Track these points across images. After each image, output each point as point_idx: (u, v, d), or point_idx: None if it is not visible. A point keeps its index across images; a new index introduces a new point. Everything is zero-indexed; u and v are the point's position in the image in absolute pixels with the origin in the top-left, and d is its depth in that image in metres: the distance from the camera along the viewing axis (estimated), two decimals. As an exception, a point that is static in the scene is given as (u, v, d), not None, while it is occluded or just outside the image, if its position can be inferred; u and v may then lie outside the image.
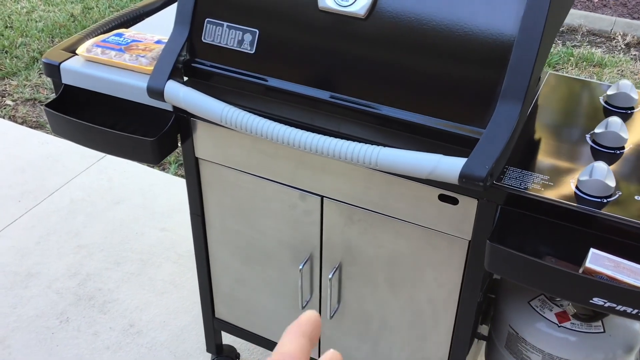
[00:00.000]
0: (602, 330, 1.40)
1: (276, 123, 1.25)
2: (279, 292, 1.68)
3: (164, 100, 1.36)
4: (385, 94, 1.25)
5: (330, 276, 1.52)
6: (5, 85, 3.60)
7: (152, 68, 1.47)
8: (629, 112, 1.40)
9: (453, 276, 1.38)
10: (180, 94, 1.32)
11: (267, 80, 1.35)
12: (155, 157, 1.46)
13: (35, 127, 3.23)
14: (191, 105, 1.32)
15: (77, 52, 1.55)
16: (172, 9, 1.85)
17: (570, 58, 4.00)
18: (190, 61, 1.40)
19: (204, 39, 1.38)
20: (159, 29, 1.69)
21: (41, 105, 3.42)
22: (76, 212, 2.62)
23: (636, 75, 3.85)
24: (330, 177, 1.40)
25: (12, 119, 3.33)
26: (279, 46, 1.32)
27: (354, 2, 1.24)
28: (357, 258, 1.49)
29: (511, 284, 1.52)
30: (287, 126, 1.24)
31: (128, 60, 1.50)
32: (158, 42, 1.57)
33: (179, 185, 2.75)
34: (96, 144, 1.52)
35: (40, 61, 3.79)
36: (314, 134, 1.23)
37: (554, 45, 4.21)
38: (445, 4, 1.18)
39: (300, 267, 1.55)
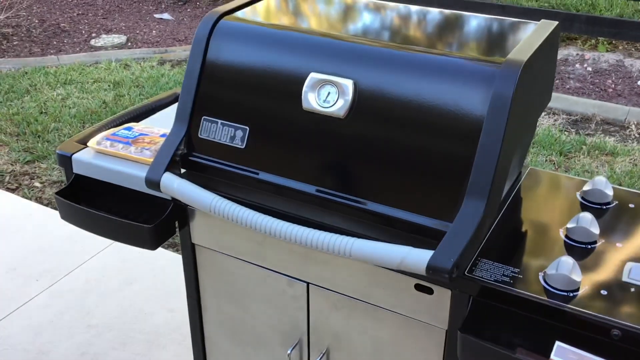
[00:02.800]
0: None
1: (258, 214, 1.33)
2: (270, 376, 1.71)
3: (160, 191, 1.46)
4: (365, 189, 1.33)
5: (316, 362, 1.56)
6: (35, 168, 3.80)
7: (154, 160, 1.58)
8: (604, 207, 1.46)
9: (433, 365, 1.41)
10: (175, 186, 1.43)
11: (257, 174, 1.45)
12: (152, 243, 1.55)
13: (59, 208, 3.38)
14: (184, 196, 1.42)
15: (88, 144, 1.68)
16: (181, 104, 1.99)
17: (583, 146, 4.06)
18: (188, 155, 1.52)
19: (201, 134, 1.49)
20: (167, 122, 1.82)
21: (67, 187, 3.59)
22: (90, 292, 2.71)
23: (649, 164, 3.88)
24: (315, 264, 1.47)
25: (39, 200, 3.49)
26: (267, 142, 1.43)
27: (334, 104, 1.35)
28: (343, 344, 1.53)
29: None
30: (268, 217, 1.32)
31: (133, 152, 1.62)
32: (163, 135, 1.70)
33: (190, 267, 2.83)
34: (99, 229, 1.62)
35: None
36: (294, 224, 1.30)
37: (567, 133, 4.29)
38: (416, 108, 1.28)
39: (289, 352, 1.59)
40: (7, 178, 3.71)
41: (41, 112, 4.48)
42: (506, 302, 1.24)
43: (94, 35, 6.28)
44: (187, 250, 1.66)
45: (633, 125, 4.42)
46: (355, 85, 1.33)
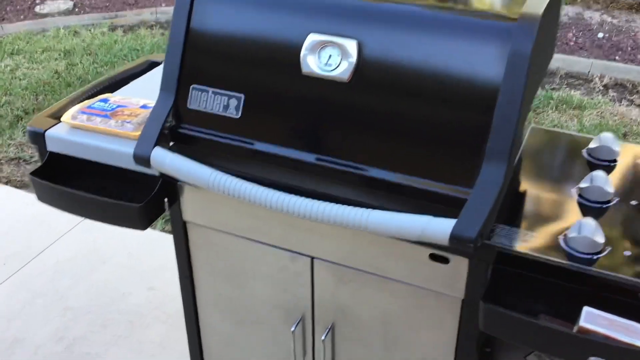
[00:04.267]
0: (600, 385, 1.38)
1: (265, 188, 1.25)
2: (271, 354, 1.65)
3: (149, 167, 1.36)
4: (371, 156, 1.25)
5: (323, 337, 1.50)
6: (-11, 144, 3.59)
7: (137, 134, 1.47)
8: (612, 164, 1.42)
9: (447, 335, 1.37)
10: (167, 161, 1.32)
11: (252, 144, 1.35)
12: (142, 223, 1.45)
13: (19, 187, 3.21)
14: (178, 172, 1.32)
15: (62, 119, 1.55)
16: (155, 72, 1.86)
17: (550, 101, 4.07)
18: (177, 127, 1.41)
19: (190, 105, 1.38)
20: (144, 92, 1.70)
21: (26, 164, 3.40)
22: (62, 274, 2.58)
23: (615, 116, 3.92)
24: (319, 238, 1.39)
25: (-4, 179, 3.31)
26: (264, 110, 1.33)
27: (337, 67, 1.26)
28: (350, 319, 1.47)
29: (505, 339, 1.50)
30: (275, 191, 1.24)
31: (114, 126, 1.50)
32: (143, 106, 1.58)
33: (166, 242, 2.72)
34: (82, 211, 1.51)
35: (25, 119, 3.79)
36: (304, 198, 1.22)
37: (533, 88, 4.29)
38: (426, 69, 1.20)
39: (293, 329, 1.53)
40: (-41, 157, 3.50)
41: (-11, 86, 4.23)
42: (528, 269, 1.20)
43: (38, 1, 5.94)
44: (178, 228, 1.56)
45: (597, 78, 4.45)
46: (359, 45, 1.24)
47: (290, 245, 1.44)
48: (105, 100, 1.61)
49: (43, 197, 1.55)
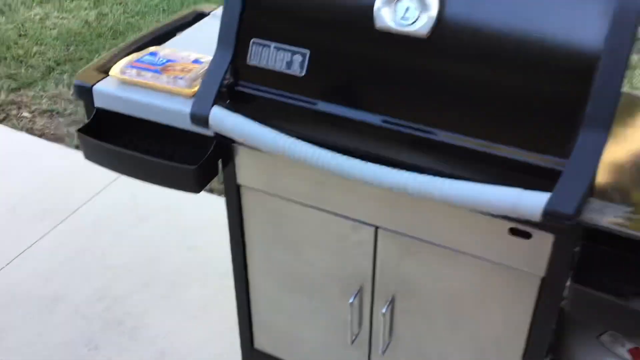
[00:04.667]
0: (683, 370, 1.30)
1: (336, 154, 1.15)
2: (325, 324, 1.58)
3: (207, 127, 1.27)
4: (450, 120, 1.15)
5: (383, 310, 1.43)
6: (22, 96, 3.52)
7: (191, 91, 1.38)
8: None
9: (521, 314, 1.28)
10: (227, 122, 1.23)
11: (316, 104, 1.25)
12: (196, 186, 1.37)
13: (54, 140, 3.15)
14: (239, 133, 1.23)
15: (110, 73, 1.46)
16: (203, 24, 1.76)
17: (600, 60, 3.87)
18: (234, 84, 1.31)
19: (249, 61, 1.28)
20: (192, 45, 1.59)
21: (59, 117, 3.33)
22: (101, 231, 2.54)
23: (669, 77, 3.73)
24: (386, 206, 1.30)
25: (30, 131, 3.24)
26: (331, 68, 1.23)
27: (415, 21, 1.14)
28: (413, 292, 1.39)
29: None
30: (355, 159, 1.14)
31: (166, 82, 1.41)
32: (195, 61, 1.48)
33: (206, 201, 2.65)
34: (133, 171, 1.43)
35: (57, 71, 3.72)
36: (377, 165, 1.13)
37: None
38: (518, 22, 1.08)
39: (351, 300, 1.45)
40: (-7, 108, 3.44)
41: (20, 35, 4.13)
42: (622, 246, 1.09)
43: (66, -52, 5.78)
44: (232, 192, 1.48)
45: (649, 36, 4.23)
46: (441, -3, 1.12)
47: (353, 214, 1.35)
48: (154, 54, 1.51)
49: (91, 156, 1.47)
